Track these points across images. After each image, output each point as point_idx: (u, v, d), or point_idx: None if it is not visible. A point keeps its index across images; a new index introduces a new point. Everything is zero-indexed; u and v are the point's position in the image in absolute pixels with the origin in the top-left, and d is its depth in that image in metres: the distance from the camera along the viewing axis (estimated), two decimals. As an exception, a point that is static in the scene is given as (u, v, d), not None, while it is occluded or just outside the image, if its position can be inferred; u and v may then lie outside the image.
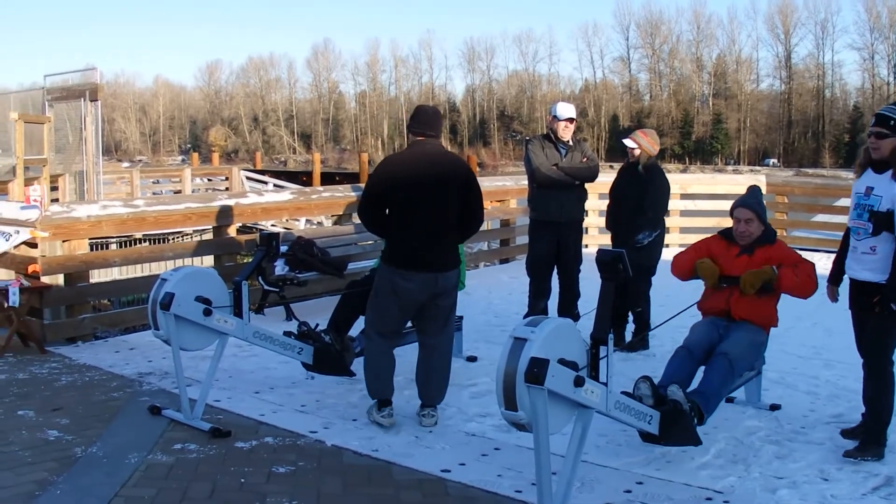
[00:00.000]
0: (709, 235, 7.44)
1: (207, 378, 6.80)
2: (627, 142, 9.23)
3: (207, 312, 6.65)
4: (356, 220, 10.52)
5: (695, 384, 6.48)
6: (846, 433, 6.53)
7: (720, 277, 6.98)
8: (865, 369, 6.43)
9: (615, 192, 9.38)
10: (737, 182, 19.16)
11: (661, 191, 9.31)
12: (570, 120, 9.51)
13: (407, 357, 7.63)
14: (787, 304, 9.89)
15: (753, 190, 7.34)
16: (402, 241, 6.66)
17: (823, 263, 15.19)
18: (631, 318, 9.41)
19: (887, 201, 6.11)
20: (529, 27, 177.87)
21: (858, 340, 6.56)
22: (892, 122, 6.12)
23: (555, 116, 9.47)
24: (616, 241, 9.18)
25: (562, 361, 4.74)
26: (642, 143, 9.20)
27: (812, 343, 9.50)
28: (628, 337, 9.25)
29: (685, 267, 7.19)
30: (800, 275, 6.89)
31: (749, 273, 6.82)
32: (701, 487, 5.71)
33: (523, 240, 10.07)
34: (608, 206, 9.49)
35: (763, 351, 7.10)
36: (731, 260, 7.04)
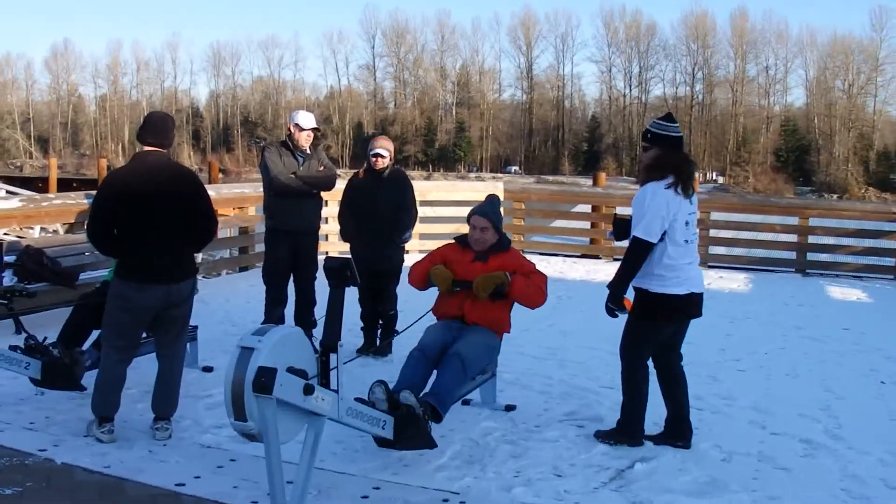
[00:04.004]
0: (445, 243, 7.55)
1: (-75, 398, 6.44)
2: (381, 151, 9.25)
3: (-76, 328, 6.32)
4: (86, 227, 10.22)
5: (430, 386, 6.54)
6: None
7: (453, 282, 7.09)
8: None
9: (367, 198, 9.28)
10: (476, 189, 19.55)
11: (413, 190, 9.58)
12: (313, 130, 9.48)
13: (141, 369, 7.45)
14: (522, 308, 10.12)
15: (491, 199, 7.50)
16: (133, 255, 6.46)
17: (559, 268, 15.76)
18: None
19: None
20: (275, 33, 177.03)
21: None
22: (650, 136, 6.51)
23: (297, 125, 9.38)
24: (369, 244, 9.20)
25: (291, 370, 4.72)
26: (392, 151, 9.39)
27: (547, 344, 9.76)
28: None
29: (421, 275, 7.29)
30: (531, 285, 7.06)
31: (482, 277, 6.94)
32: (437, 489, 5.76)
33: (263, 247, 10.00)
34: (349, 214, 9.43)
35: (496, 355, 7.25)
36: (466, 265, 7.18)
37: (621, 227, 6.64)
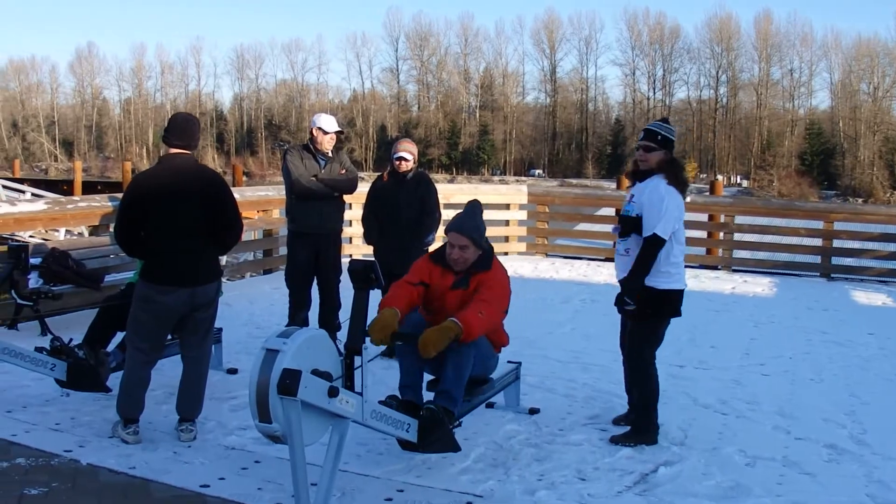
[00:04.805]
0: (426, 254, 7.00)
1: (-47, 399, 6.48)
2: (405, 154, 9.32)
3: (-49, 329, 6.36)
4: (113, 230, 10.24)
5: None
6: (617, 420, 7.18)
7: (394, 335, 6.08)
8: (626, 365, 7.03)
9: (391, 201, 9.38)
10: (499, 192, 19.56)
11: (437, 193, 9.64)
12: (336, 133, 9.50)
13: (165, 371, 7.49)
14: (547, 311, 10.17)
15: (471, 209, 6.81)
16: (159, 257, 6.50)
17: (583, 271, 15.72)
18: None
19: (638, 207, 6.64)
20: (298, 36, 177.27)
21: (621, 338, 7.16)
22: (660, 137, 6.72)
23: (320, 129, 9.38)
24: (392, 247, 9.25)
25: (315, 372, 4.73)
26: (416, 155, 9.44)
27: (571, 347, 9.74)
28: None
29: (382, 304, 6.38)
30: (485, 315, 6.24)
31: (432, 332, 5.99)
32: (461, 492, 5.76)
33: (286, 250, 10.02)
34: (373, 217, 9.49)
35: (495, 363, 7.01)
36: (446, 292, 6.61)
37: (628, 224, 6.74)
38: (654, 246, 6.54)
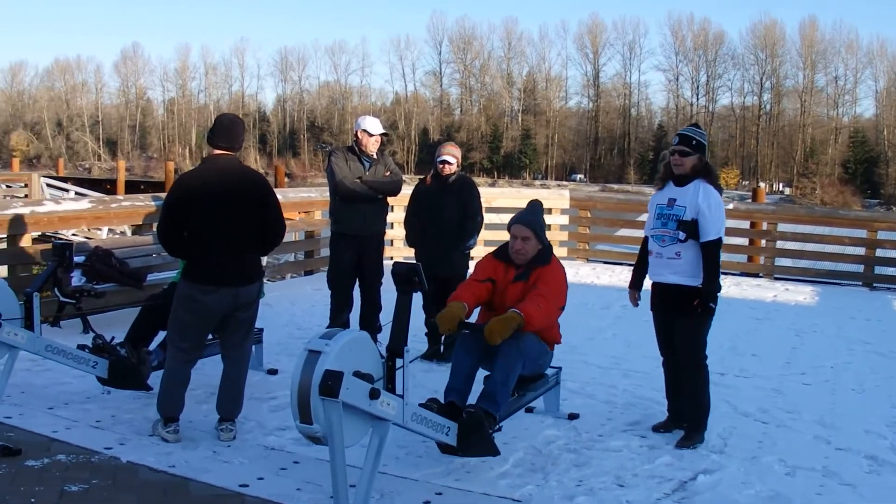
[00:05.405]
0: (487, 253, 7.19)
1: (-4, 394, 6.52)
2: (449, 158, 9.31)
3: (-4, 326, 6.40)
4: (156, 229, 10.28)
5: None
6: (657, 427, 7.20)
7: (461, 324, 6.41)
8: (681, 366, 7.00)
9: (433, 204, 9.35)
10: (541, 196, 19.43)
11: (479, 197, 9.58)
12: (381, 136, 9.52)
13: (206, 371, 7.53)
14: (587, 317, 10.13)
15: (533, 205, 7.19)
16: (201, 258, 6.51)
17: (624, 277, 15.63)
18: None
19: (692, 211, 6.76)
20: (342, 39, 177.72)
21: (663, 341, 7.19)
22: (694, 143, 6.84)
23: (365, 131, 9.39)
24: (433, 250, 9.24)
25: (357, 374, 4.74)
26: (459, 158, 9.44)
27: (612, 353, 9.72)
28: None
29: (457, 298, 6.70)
30: (542, 309, 6.50)
31: (497, 322, 6.22)
32: (500, 497, 5.75)
33: (328, 251, 10.03)
34: (415, 220, 9.47)
35: (549, 359, 7.10)
36: (508, 285, 6.82)
37: (690, 228, 6.79)
38: (718, 248, 6.79)
